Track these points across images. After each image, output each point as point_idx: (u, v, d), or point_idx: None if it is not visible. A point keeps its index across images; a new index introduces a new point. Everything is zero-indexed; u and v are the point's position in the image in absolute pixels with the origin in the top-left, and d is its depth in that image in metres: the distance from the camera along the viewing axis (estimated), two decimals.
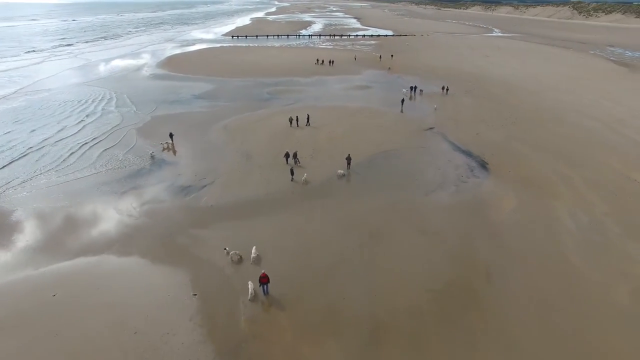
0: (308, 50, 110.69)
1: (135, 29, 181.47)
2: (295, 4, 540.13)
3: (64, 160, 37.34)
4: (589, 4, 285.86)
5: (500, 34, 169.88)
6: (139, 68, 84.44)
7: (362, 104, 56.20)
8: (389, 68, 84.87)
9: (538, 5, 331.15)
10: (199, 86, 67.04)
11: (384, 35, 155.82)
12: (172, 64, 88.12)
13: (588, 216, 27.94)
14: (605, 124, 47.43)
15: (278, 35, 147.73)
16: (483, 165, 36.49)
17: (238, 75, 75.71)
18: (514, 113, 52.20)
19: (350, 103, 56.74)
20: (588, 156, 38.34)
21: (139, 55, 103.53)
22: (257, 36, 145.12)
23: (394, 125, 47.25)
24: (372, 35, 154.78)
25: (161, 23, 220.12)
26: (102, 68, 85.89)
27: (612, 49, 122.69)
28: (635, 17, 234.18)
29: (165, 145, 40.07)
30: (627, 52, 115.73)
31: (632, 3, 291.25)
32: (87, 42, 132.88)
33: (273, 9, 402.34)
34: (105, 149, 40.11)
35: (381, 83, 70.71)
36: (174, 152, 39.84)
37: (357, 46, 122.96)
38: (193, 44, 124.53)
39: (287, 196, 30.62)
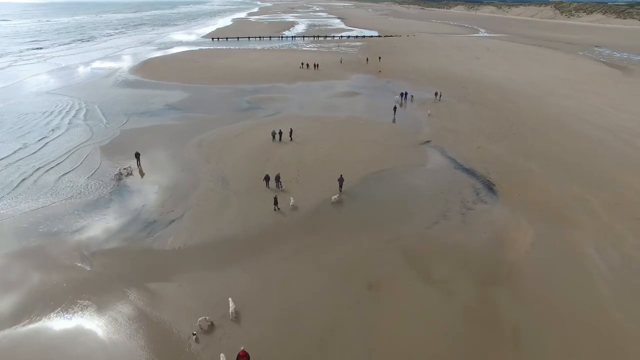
0: (291, 53, 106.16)
1: (114, 31, 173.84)
2: (278, 4, 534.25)
3: (12, 190, 32.11)
4: (570, 3, 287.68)
5: (486, 34, 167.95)
6: (111, 74, 78.72)
7: (350, 114, 52.01)
8: (379, 71, 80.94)
9: (520, 4, 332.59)
10: (174, 94, 61.95)
11: (369, 36, 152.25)
12: (147, 69, 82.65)
13: (618, 251, 24.17)
14: (614, 134, 44.16)
15: (260, 37, 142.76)
16: (489, 186, 32.60)
17: (216, 82, 70.79)
18: (514, 122, 48.66)
19: (337, 113, 52.50)
20: (602, 173, 34.80)
21: (113, 59, 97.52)
22: (238, 38, 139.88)
23: (386, 138, 43.15)
24: (357, 37, 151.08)
25: (141, 24, 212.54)
26: (72, 74, 79.91)
27: (600, 49, 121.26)
28: (616, 17, 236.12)
29: (124, 172, 34.95)
30: (615, 53, 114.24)
31: (607, 3, 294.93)
32: (59, 45, 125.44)
33: (255, 9, 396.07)
34: (65, 173, 34.96)
35: (369, 89, 66.67)
36: (141, 174, 35.08)
37: (343, 48, 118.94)
38: (171, 47, 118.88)
39: (269, 233, 26.11)
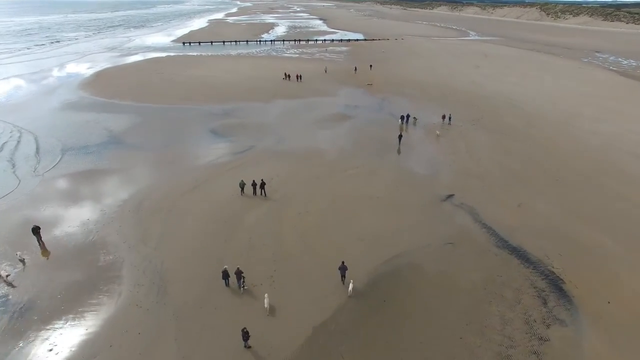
0: (270, 61, 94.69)
1: (81, 34, 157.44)
2: (258, 4, 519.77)
3: None
4: (555, 5, 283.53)
5: (478, 37, 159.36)
6: (56, 89, 65.98)
7: (343, 148, 41.10)
8: (370, 84, 70.34)
9: (505, 5, 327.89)
10: (123, 120, 49.92)
11: (355, 40, 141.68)
12: (100, 83, 70.09)
13: None
14: None
15: (236, 41, 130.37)
16: (556, 284, 22.12)
17: (179, 100, 58.91)
18: (551, 160, 38.48)
19: (326, 147, 41.50)
20: None
21: (65, 69, 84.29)
22: (212, 42, 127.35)
23: (394, 190, 32.29)
24: (341, 40, 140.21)
25: (112, 26, 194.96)
26: (9, 89, 66.81)
27: (602, 55, 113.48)
28: (603, 20, 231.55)
29: (17, 264, 23.29)
30: (620, 59, 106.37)
31: (581, 4, 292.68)
32: (11, 50, 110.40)
33: (234, 10, 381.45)
34: None
35: (363, 109, 55.78)
36: (44, 255, 23.85)
37: (327, 54, 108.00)
38: (136, 53, 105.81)
39: None
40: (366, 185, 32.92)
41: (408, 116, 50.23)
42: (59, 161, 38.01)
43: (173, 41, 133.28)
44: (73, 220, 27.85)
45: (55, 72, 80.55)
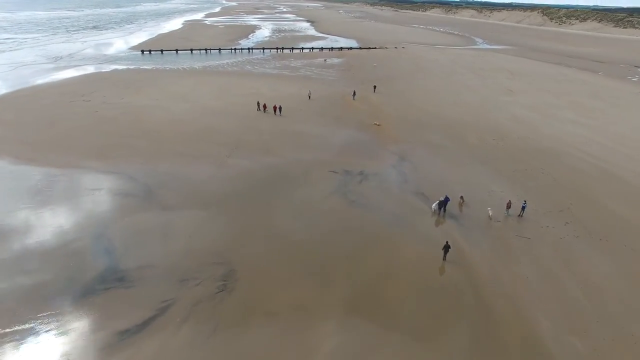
0: (240, 80, 73.46)
1: (34, 35, 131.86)
2: (243, 4, 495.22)
3: None
4: (558, 10, 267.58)
5: (488, 46, 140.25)
6: None
7: (348, 303, 20.55)
8: (377, 124, 49.94)
9: (503, 9, 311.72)
10: None
11: (348, 48, 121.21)
12: None
13: None
14: None
15: (207, 50, 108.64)
16: None
17: (86, 157, 37.56)
18: None
19: (317, 297, 20.89)
20: None
21: None
22: (177, 51, 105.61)
23: None
24: (332, 49, 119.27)
25: (80, 27, 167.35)
26: None
27: None
28: (614, 26, 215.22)
29: None
30: None
31: (576, 8, 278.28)
32: None
33: (217, 9, 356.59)
34: None
35: (373, 179, 35.11)
36: None
37: (314, 68, 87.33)
38: (78, 66, 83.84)
39: None
40: None
41: (447, 200, 30.00)
42: None
43: (131, 48, 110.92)
44: None
45: None
